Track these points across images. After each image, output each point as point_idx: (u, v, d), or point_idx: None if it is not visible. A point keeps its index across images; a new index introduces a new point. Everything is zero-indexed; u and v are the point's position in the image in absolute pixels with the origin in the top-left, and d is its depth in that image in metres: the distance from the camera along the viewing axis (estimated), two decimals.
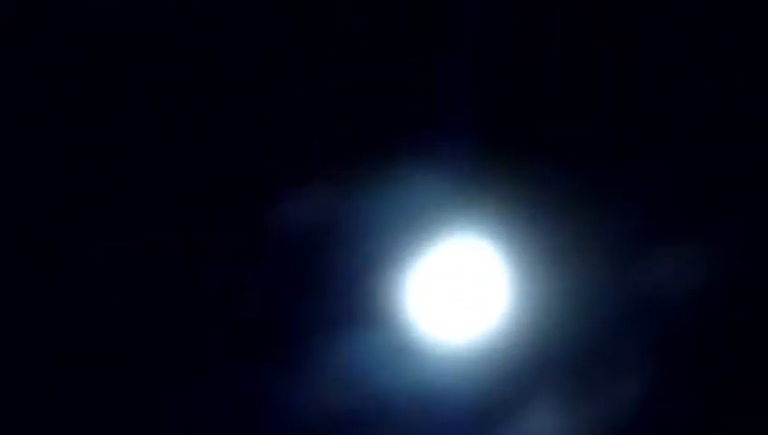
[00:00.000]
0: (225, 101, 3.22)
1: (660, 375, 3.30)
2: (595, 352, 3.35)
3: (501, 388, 3.30)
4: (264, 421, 3.23)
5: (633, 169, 3.42)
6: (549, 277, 3.34)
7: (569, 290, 3.33)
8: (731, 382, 3.28)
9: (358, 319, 3.32)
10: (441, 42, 3.27)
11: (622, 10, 3.25)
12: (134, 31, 3.12)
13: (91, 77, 3.14)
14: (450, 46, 3.26)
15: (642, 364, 3.35)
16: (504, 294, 3.37)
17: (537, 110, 3.36)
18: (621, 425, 3.27)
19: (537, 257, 3.34)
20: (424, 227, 3.37)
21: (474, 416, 3.30)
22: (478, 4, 3.28)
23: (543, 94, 3.33)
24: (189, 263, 3.20)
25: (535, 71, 3.31)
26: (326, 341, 3.28)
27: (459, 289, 3.39)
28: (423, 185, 3.35)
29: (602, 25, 3.25)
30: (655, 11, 3.24)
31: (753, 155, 3.33)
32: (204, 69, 3.18)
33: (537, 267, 3.34)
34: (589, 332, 3.35)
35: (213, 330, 3.22)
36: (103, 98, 3.12)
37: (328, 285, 3.28)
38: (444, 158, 3.33)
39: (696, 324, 3.33)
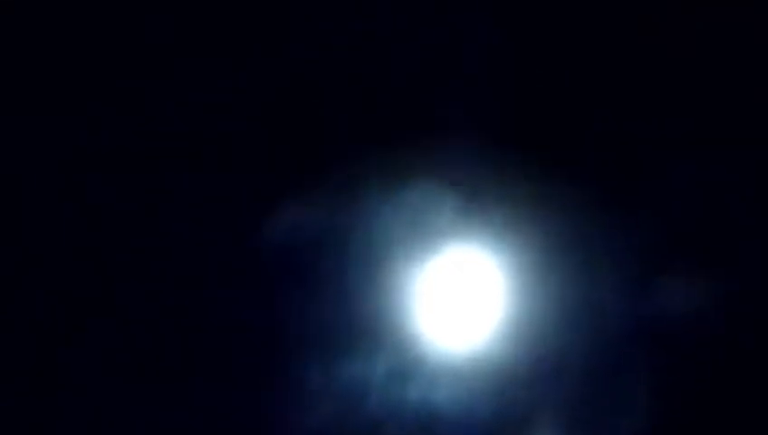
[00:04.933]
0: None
1: (662, 399, 3.31)
2: (597, 371, 3.35)
3: (502, 404, 3.29)
4: None
5: (646, 184, 3.42)
6: (553, 292, 3.33)
7: (573, 305, 3.33)
8: (730, 408, 3.30)
9: (359, 331, 3.30)
10: (445, 49, 3.27)
11: (625, 14, 3.26)
12: None
13: None
14: (457, 56, 3.26)
15: (645, 383, 3.35)
16: (508, 308, 3.36)
17: (545, 118, 3.35)
18: None
19: (542, 271, 3.34)
20: (426, 236, 3.35)
21: (476, 431, 3.29)
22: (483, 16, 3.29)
23: (552, 101, 3.31)
24: (189, 272, 3.17)
25: (542, 77, 3.30)
26: (327, 355, 3.25)
27: (462, 301, 3.37)
28: (426, 193, 3.33)
29: (612, 31, 3.26)
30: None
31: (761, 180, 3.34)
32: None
33: (541, 281, 3.34)
34: (592, 349, 3.35)
35: (213, 342, 3.19)
36: None
37: (329, 297, 3.26)
38: (448, 164, 3.31)
39: (698, 348, 3.35)
